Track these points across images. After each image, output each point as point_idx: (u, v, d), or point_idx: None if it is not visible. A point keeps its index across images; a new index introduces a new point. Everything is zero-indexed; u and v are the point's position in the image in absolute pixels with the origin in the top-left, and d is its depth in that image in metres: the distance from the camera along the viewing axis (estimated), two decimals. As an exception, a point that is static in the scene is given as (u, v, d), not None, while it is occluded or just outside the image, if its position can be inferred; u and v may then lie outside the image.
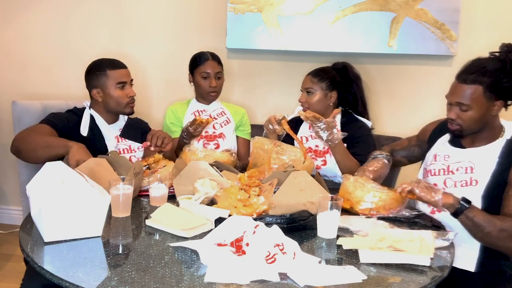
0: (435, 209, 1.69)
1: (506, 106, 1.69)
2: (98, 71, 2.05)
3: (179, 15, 2.98)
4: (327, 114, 2.18)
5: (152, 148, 1.93)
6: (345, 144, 2.17)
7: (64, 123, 1.97)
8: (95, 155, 1.79)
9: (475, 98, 1.62)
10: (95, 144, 1.99)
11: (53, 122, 1.95)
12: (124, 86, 2.05)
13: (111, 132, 2.10)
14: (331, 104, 2.26)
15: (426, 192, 1.56)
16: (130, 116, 2.22)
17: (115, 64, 2.08)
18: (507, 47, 1.66)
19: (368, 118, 2.35)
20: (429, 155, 1.84)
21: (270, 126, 2.12)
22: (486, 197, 1.63)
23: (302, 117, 2.09)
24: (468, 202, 1.55)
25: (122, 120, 2.17)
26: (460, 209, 1.54)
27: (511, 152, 1.65)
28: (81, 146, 1.79)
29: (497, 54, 1.67)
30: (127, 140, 2.12)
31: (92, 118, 2.08)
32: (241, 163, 2.28)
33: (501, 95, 1.64)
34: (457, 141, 1.77)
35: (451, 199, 1.55)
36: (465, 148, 1.73)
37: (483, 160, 1.67)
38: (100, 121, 2.08)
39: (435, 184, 1.72)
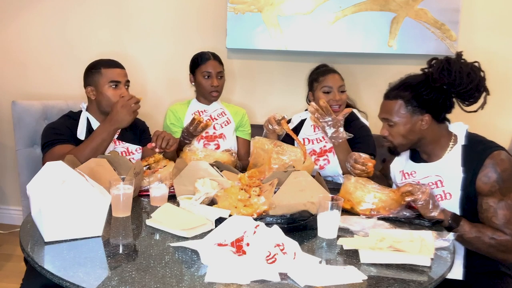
0: None
1: (438, 119, 1.67)
2: (93, 69, 2.04)
3: (179, 15, 2.98)
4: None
5: (157, 150, 1.92)
6: None
7: (69, 132, 1.96)
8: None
9: (398, 113, 1.66)
10: None
11: (61, 139, 1.92)
12: (118, 85, 2.02)
13: None
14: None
15: (425, 208, 1.58)
16: None
17: (111, 63, 2.07)
18: (432, 60, 1.67)
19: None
20: (395, 172, 1.84)
21: (270, 126, 2.12)
22: (463, 209, 1.64)
23: (310, 110, 2.09)
24: (457, 221, 1.58)
25: None
26: (450, 227, 1.57)
27: (472, 159, 1.63)
28: (114, 109, 1.88)
29: (425, 69, 1.69)
30: (124, 142, 2.10)
31: (88, 122, 2.05)
32: (241, 163, 2.27)
33: (425, 108, 1.64)
34: (417, 156, 1.77)
35: (442, 216, 1.58)
36: (427, 162, 1.73)
37: (448, 171, 1.66)
38: (96, 125, 2.04)
39: None
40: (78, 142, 1.95)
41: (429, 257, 1.26)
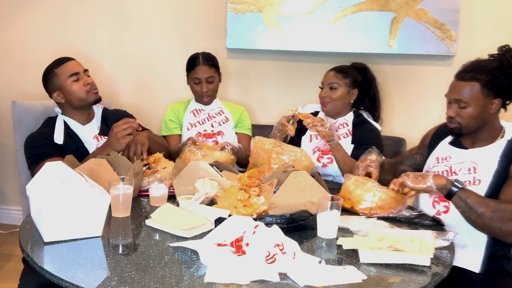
0: (440, 210, 1.71)
1: (504, 106, 1.71)
2: (48, 75, 2.04)
3: (179, 15, 2.98)
4: (344, 113, 2.26)
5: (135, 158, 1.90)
6: (352, 145, 2.18)
7: (47, 143, 1.94)
8: (78, 160, 1.77)
9: (473, 95, 1.66)
10: (75, 149, 1.95)
11: (46, 152, 1.90)
12: (78, 76, 2.00)
13: (88, 133, 2.06)
14: (351, 101, 2.28)
15: (417, 181, 1.58)
16: (108, 109, 2.19)
17: (60, 60, 2.05)
18: (505, 48, 1.70)
19: (378, 121, 2.37)
20: (431, 158, 1.85)
21: (281, 127, 2.08)
22: (489, 195, 1.63)
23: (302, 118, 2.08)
24: (461, 183, 1.57)
25: (98, 116, 2.13)
26: (453, 190, 1.55)
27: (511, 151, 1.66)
28: (110, 136, 1.83)
29: (495, 55, 1.71)
30: (106, 137, 2.04)
31: (66, 124, 2.04)
32: (246, 153, 2.23)
33: (499, 93, 1.67)
34: (458, 142, 1.79)
35: (444, 180, 1.56)
36: (466, 149, 1.75)
37: (485, 160, 1.68)
38: (73, 124, 2.04)
39: None
40: (58, 148, 1.94)
41: (429, 257, 1.26)
